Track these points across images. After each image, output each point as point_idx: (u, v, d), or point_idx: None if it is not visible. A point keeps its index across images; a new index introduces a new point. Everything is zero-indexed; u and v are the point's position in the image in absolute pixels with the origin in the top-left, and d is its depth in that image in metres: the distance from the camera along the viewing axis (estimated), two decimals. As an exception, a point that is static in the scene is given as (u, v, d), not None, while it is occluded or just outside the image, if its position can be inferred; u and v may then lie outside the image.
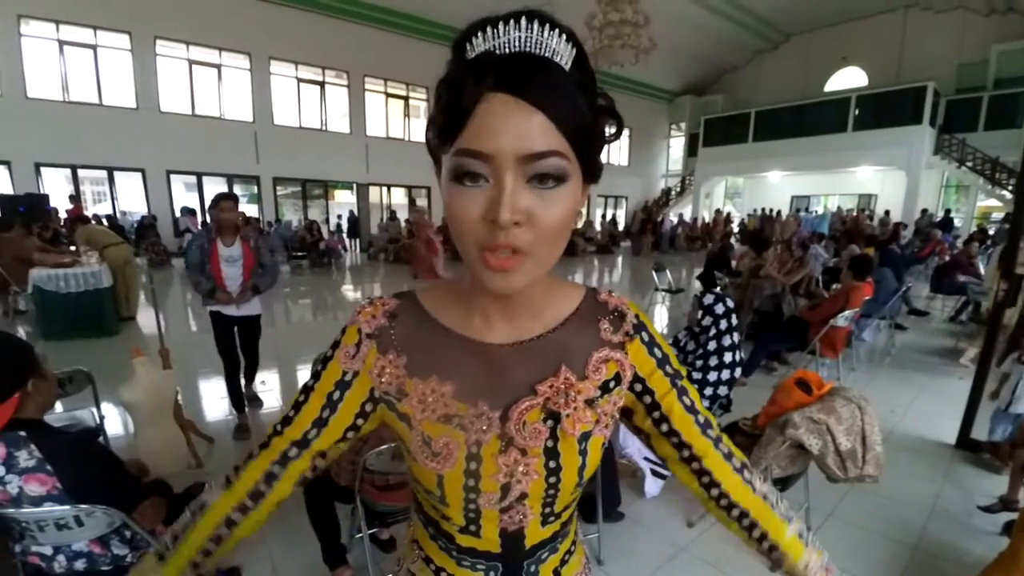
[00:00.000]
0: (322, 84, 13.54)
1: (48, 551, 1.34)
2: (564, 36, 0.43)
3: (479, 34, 0.43)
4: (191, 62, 11.71)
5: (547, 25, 0.42)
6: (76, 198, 10.26)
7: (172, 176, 11.98)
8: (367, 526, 1.73)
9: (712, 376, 2.49)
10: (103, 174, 11.66)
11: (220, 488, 0.59)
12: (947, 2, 14.88)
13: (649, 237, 15.31)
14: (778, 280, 5.28)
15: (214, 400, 3.66)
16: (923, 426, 3.35)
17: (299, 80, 13.18)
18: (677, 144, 22.35)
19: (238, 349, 3.10)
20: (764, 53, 19.25)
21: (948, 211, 14.25)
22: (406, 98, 14.91)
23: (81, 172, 11.17)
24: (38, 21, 10.01)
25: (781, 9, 16.25)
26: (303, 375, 4.01)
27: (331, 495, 1.77)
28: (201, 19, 11.33)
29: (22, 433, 1.24)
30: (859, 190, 17.41)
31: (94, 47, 10.61)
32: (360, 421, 0.57)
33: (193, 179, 12.49)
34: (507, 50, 0.42)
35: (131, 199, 12.03)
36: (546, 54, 0.42)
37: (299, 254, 11.27)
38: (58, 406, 2.43)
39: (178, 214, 11.76)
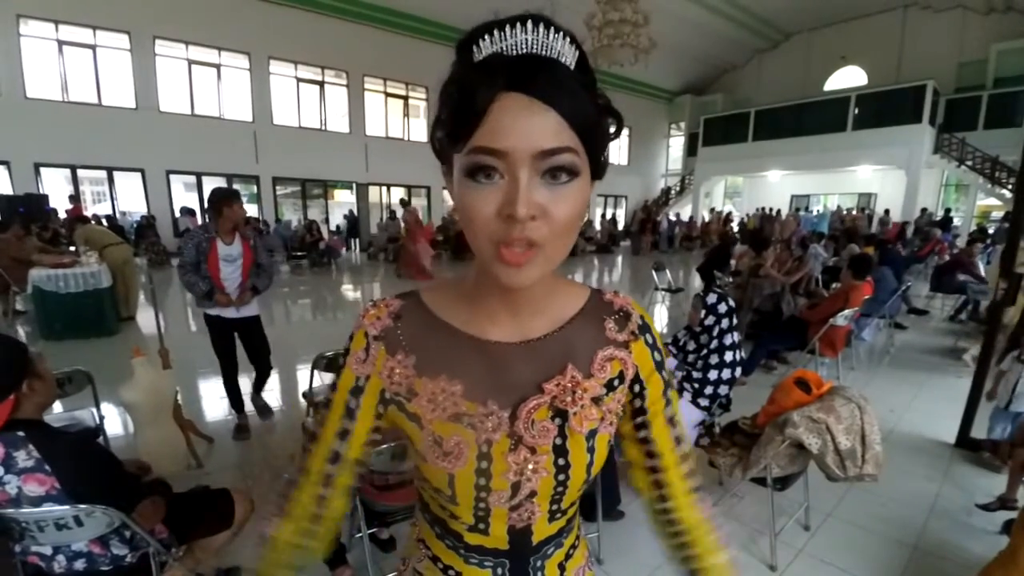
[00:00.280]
0: (321, 84, 13.54)
1: (48, 551, 1.34)
2: (567, 38, 0.45)
3: (485, 37, 0.44)
4: (190, 62, 11.70)
5: (551, 28, 0.44)
6: (75, 198, 10.27)
7: (171, 176, 11.97)
8: (367, 526, 1.73)
9: (712, 375, 2.49)
10: (102, 174, 11.65)
11: (276, 517, 0.60)
12: (946, 1, 14.88)
13: (649, 237, 15.32)
14: (778, 279, 5.28)
15: (214, 400, 3.66)
16: (922, 425, 3.35)
17: (298, 80, 13.17)
18: (677, 143, 22.35)
19: (236, 353, 3.02)
20: (764, 52, 19.25)
21: (948, 210, 14.26)
22: (405, 98, 14.90)
23: (80, 172, 11.17)
24: (37, 21, 10.00)
25: (780, 8, 16.25)
26: (303, 375, 4.01)
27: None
28: (200, 19, 11.33)
29: (20, 433, 1.24)
30: (859, 189, 17.42)
31: (93, 47, 10.60)
32: (379, 423, 0.58)
33: (192, 179, 12.49)
34: (515, 52, 0.43)
35: (130, 199, 12.02)
36: (552, 55, 0.44)
37: (299, 254, 11.28)
38: (58, 406, 2.44)
39: (177, 214, 11.75)
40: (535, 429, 0.52)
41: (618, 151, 20.21)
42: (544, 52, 0.43)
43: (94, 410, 2.22)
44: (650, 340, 0.59)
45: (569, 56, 0.45)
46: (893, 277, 5.27)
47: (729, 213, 17.71)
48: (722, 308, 2.52)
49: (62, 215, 9.83)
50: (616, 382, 0.57)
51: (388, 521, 1.85)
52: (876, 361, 4.85)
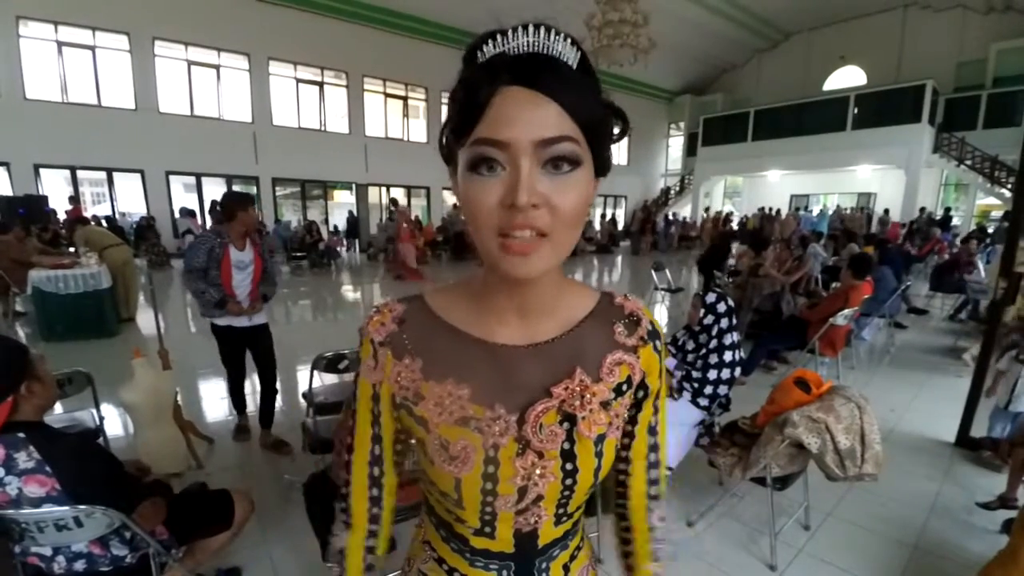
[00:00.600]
0: (321, 84, 13.54)
1: (48, 552, 1.34)
2: (568, 40, 0.46)
3: (489, 42, 0.46)
4: (190, 63, 11.70)
5: (552, 31, 0.45)
6: (75, 199, 10.25)
7: (171, 177, 11.97)
8: (367, 526, 1.73)
9: (712, 375, 2.49)
10: (102, 175, 11.65)
11: (345, 531, 0.64)
12: (946, 1, 14.88)
13: (648, 237, 15.32)
14: (777, 279, 5.28)
15: (214, 401, 3.66)
16: (922, 424, 3.35)
17: (298, 80, 13.17)
18: (676, 143, 22.35)
19: (245, 363, 2.89)
20: (763, 52, 19.25)
21: (948, 209, 14.25)
22: (405, 98, 14.89)
23: (80, 173, 11.17)
24: (36, 22, 10.00)
25: (780, 8, 16.25)
26: (303, 376, 4.01)
27: (331, 495, 1.77)
28: (200, 20, 11.32)
29: (21, 435, 1.24)
30: (858, 189, 17.41)
31: (93, 48, 10.60)
32: (398, 425, 0.59)
33: (192, 180, 12.48)
34: (517, 52, 0.44)
35: (130, 200, 12.02)
36: (553, 55, 0.45)
37: (299, 254, 11.28)
38: (58, 407, 2.44)
39: (177, 215, 11.75)
40: (543, 433, 0.52)
41: (618, 151, 19.88)
42: (546, 52, 0.44)
43: (94, 411, 2.22)
44: (658, 347, 0.59)
45: (571, 57, 0.45)
46: (893, 276, 5.27)
47: (729, 214, 17.69)
48: (721, 307, 2.52)
49: (62, 216, 9.83)
50: (624, 387, 0.56)
51: (393, 519, 1.85)
52: (876, 361, 4.85)
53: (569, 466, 0.53)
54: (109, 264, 5.41)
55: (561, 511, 0.56)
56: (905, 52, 15.94)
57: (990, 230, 11.06)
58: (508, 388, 0.53)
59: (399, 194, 15.19)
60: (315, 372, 2.41)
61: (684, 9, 14.62)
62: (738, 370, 2.56)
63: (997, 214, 13.19)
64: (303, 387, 3.58)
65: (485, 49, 0.46)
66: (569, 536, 0.61)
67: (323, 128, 13.75)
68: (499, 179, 0.44)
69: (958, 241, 9.08)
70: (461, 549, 0.59)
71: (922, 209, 13.64)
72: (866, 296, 4.02)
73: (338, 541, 0.65)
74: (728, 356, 2.50)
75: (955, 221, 13.58)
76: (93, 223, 7.53)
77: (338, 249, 11.92)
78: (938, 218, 13.05)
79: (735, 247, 8.54)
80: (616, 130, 0.51)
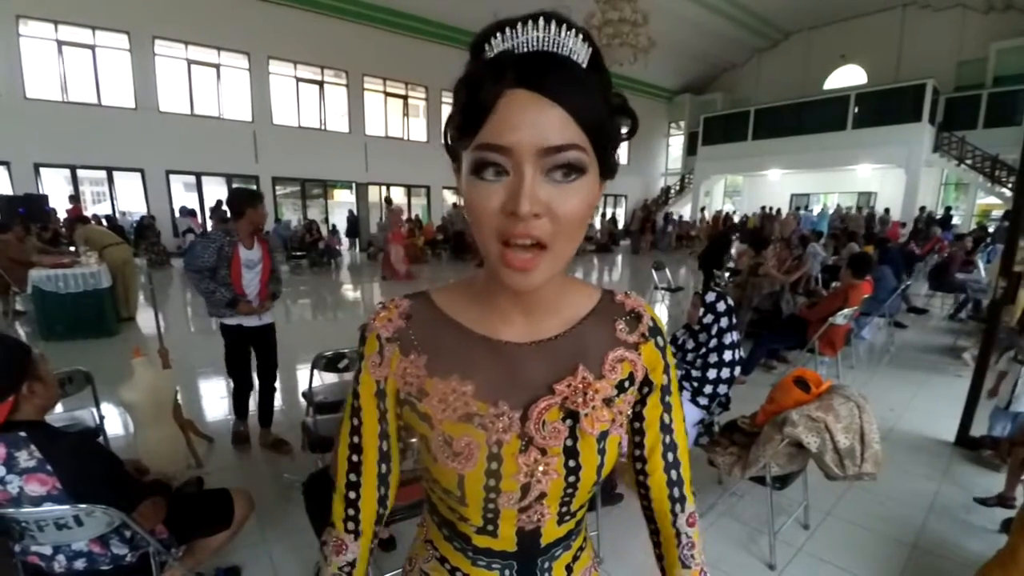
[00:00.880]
0: (321, 83, 13.53)
1: (48, 551, 1.34)
2: (580, 36, 0.44)
3: (497, 35, 0.44)
4: (190, 62, 11.69)
5: (564, 25, 0.43)
6: (75, 198, 10.26)
7: (171, 176, 11.97)
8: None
9: (711, 374, 2.49)
10: (102, 174, 11.65)
11: (354, 541, 0.62)
12: (946, 0, 14.88)
13: (648, 236, 15.32)
14: (777, 278, 5.28)
15: (214, 400, 3.66)
16: (922, 424, 3.35)
17: (298, 80, 13.16)
18: (676, 143, 22.34)
19: (251, 366, 2.84)
20: (763, 51, 19.23)
21: (948, 208, 14.25)
22: (405, 97, 14.88)
23: (80, 172, 11.17)
24: (36, 21, 10.00)
25: (780, 7, 16.24)
26: (303, 375, 4.01)
27: (330, 495, 1.77)
28: (200, 19, 11.32)
29: (22, 434, 1.24)
30: (858, 188, 17.41)
31: (93, 47, 10.59)
32: (401, 422, 0.59)
33: (192, 179, 12.48)
34: (525, 49, 0.43)
35: (130, 199, 12.02)
36: (563, 52, 0.43)
37: (299, 253, 11.28)
38: (58, 406, 2.44)
39: (177, 214, 11.75)
40: (546, 430, 0.52)
41: (619, 150, 20.19)
42: (555, 49, 0.43)
43: (94, 410, 2.22)
44: (660, 343, 0.59)
45: (582, 54, 0.44)
46: (893, 276, 5.27)
47: (729, 214, 17.68)
48: (721, 307, 2.52)
49: (62, 215, 9.84)
50: (627, 383, 0.56)
51: (389, 520, 1.85)
52: (876, 360, 4.85)
53: (572, 463, 0.53)
54: (109, 263, 5.41)
55: (564, 509, 0.56)
56: (905, 51, 15.93)
57: (991, 229, 11.06)
58: (512, 385, 0.53)
59: (399, 193, 15.19)
60: (315, 371, 2.41)
61: (684, 8, 14.61)
62: (738, 369, 2.56)
63: (998, 213, 13.18)
64: (303, 386, 3.58)
65: (493, 42, 0.44)
66: (572, 536, 0.61)
67: (323, 127, 13.75)
68: (502, 184, 0.43)
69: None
70: (463, 548, 0.58)
71: (922, 208, 13.65)
72: (866, 295, 4.03)
73: (351, 554, 0.62)
74: (728, 355, 2.50)
75: (955, 220, 13.57)
76: (93, 222, 7.54)
77: (337, 248, 11.92)
78: (938, 217, 13.05)
79: (735, 245, 8.55)
80: (624, 129, 0.51)
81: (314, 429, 2.27)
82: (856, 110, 15.03)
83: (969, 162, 13.59)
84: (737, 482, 2.43)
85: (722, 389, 2.51)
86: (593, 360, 0.55)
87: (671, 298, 7.17)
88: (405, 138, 15.06)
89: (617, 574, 1.99)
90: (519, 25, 0.43)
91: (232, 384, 2.89)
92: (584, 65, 0.44)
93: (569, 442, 0.53)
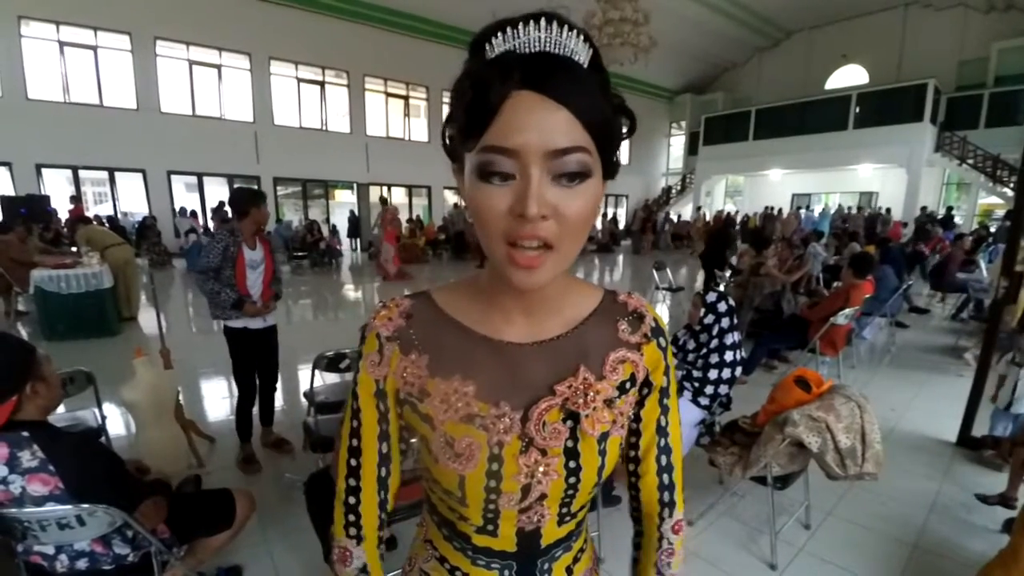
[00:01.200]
0: (322, 84, 13.55)
1: (50, 550, 1.34)
2: (581, 37, 0.44)
3: (499, 34, 0.44)
4: (191, 62, 11.72)
5: (565, 26, 0.43)
6: (77, 199, 10.28)
7: (173, 177, 11.99)
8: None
9: (712, 374, 2.49)
10: (104, 175, 11.67)
11: (357, 546, 0.62)
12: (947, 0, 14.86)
13: (650, 236, 15.32)
14: (778, 278, 5.27)
15: (215, 400, 3.67)
16: (923, 424, 3.35)
17: (299, 80, 13.18)
18: (677, 143, 22.33)
19: (255, 371, 2.77)
20: (764, 51, 19.22)
21: (950, 208, 14.23)
22: (406, 97, 14.90)
23: (82, 173, 11.19)
24: (38, 22, 10.03)
25: (781, 6, 16.22)
26: (304, 375, 4.02)
27: (331, 495, 1.77)
28: (201, 19, 11.34)
29: (25, 433, 1.25)
30: (860, 188, 17.38)
31: (94, 48, 10.62)
32: (402, 422, 0.58)
33: (194, 179, 12.51)
34: (528, 49, 0.43)
35: (132, 200, 12.04)
36: (565, 53, 0.43)
37: (300, 254, 11.29)
38: (60, 406, 2.44)
39: (178, 215, 11.76)
40: (547, 431, 0.51)
41: (620, 150, 20.19)
42: (557, 50, 0.43)
43: (96, 410, 2.22)
44: (662, 344, 0.59)
45: (583, 55, 0.44)
46: (894, 275, 5.27)
47: (729, 214, 17.65)
48: (722, 307, 2.52)
49: (64, 216, 9.85)
50: (628, 384, 0.56)
51: (389, 520, 1.85)
52: (877, 360, 4.84)
53: (573, 464, 0.53)
54: (111, 263, 5.42)
55: (564, 510, 0.56)
56: (906, 51, 15.91)
57: (992, 229, 11.04)
58: (513, 385, 0.53)
59: (400, 193, 15.20)
60: (316, 371, 2.41)
61: (685, 7, 14.60)
62: (739, 369, 2.56)
63: (1000, 213, 13.15)
64: (304, 386, 3.58)
65: (495, 42, 0.44)
66: (572, 537, 0.61)
67: (324, 128, 13.76)
68: (508, 187, 0.43)
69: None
70: (463, 547, 0.58)
71: (923, 208, 13.62)
72: (867, 295, 4.02)
73: (358, 560, 0.62)
74: (729, 355, 2.50)
75: (957, 220, 13.55)
76: (95, 223, 7.55)
77: (338, 248, 11.93)
78: (939, 217, 13.02)
79: (737, 244, 8.53)
80: (624, 129, 0.51)
81: (315, 429, 2.27)
82: (857, 110, 15.02)
83: (971, 162, 13.58)
84: (738, 482, 2.43)
85: (723, 389, 2.51)
86: (595, 360, 0.54)
87: (672, 298, 7.16)
88: (406, 138, 15.08)
89: (618, 574, 1.99)
90: (520, 25, 0.43)
91: (237, 391, 2.79)
92: (585, 66, 0.44)
93: (570, 443, 0.52)
